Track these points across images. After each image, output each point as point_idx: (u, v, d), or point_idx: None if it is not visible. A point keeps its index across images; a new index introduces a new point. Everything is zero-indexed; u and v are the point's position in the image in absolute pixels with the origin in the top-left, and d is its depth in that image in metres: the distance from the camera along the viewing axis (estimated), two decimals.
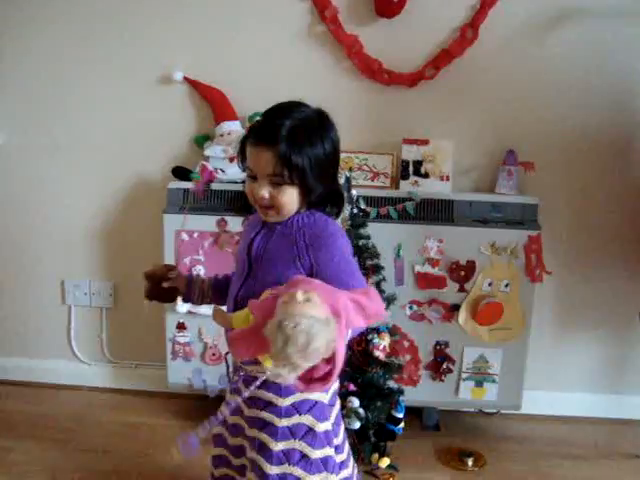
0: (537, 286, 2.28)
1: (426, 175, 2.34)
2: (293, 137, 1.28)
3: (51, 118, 2.52)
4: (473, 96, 2.39)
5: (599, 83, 2.33)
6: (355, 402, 2.05)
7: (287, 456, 1.38)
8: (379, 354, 2.08)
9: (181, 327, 2.38)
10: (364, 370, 2.10)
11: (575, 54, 2.32)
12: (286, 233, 1.35)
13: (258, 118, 1.37)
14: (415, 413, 2.44)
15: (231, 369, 1.51)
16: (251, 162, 1.32)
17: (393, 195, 2.30)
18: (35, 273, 2.67)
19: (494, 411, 2.53)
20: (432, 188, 2.32)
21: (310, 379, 1.14)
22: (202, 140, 2.44)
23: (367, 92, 2.40)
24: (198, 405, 2.51)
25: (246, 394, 1.33)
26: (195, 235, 2.31)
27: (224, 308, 1.45)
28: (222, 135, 2.38)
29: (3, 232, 2.64)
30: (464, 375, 2.34)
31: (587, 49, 2.31)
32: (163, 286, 1.53)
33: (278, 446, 1.38)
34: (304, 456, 1.39)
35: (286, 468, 1.38)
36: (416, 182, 2.34)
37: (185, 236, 2.31)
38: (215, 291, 1.57)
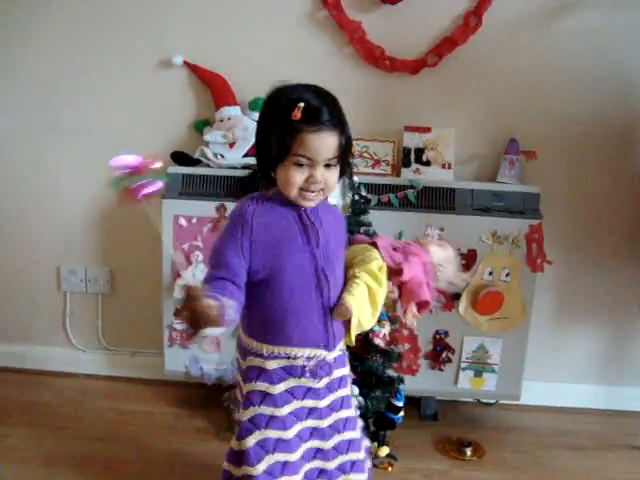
0: (538, 276, 2.27)
1: (428, 163, 2.33)
2: (340, 119, 1.33)
3: (49, 102, 2.49)
4: (476, 84, 2.37)
5: (603, 71, 2.32)
6: (355, 390, 2.02)
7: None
8: (379, 342, 2.06)
9: (178, 313, 2.35)
10: (364, 358, 2.08)
11: (578, 42, 2.30)
12: (330, 215, 1.46)
13: (301, 104, 1.29)
14: (413, 403, 2.43)
15: (306, 374, 1.45)
16: (310, 150, 1.30)
17: (394, 183, 2.28)
18: (30, 259, 2.64)
19: (492, 401, 2.52)
20: (434, 176, 2.30)
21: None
22: (202, 125, 2.42)
23: (369, 79, 2.38)
24: (195, 393, 2.50)
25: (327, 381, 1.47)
26: (194, 221, 2.28)
27: None
28: (222, 120, 2.36)
29: None
30: (463, 365, 2.33)
31: (591, 37, 2.29)
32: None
33: (353, 409, 1.60)
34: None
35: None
36: (418, 170, 2.32)
37: (183, 222, 2.28)
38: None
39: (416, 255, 1.52)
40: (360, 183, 2.15)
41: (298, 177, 1.32)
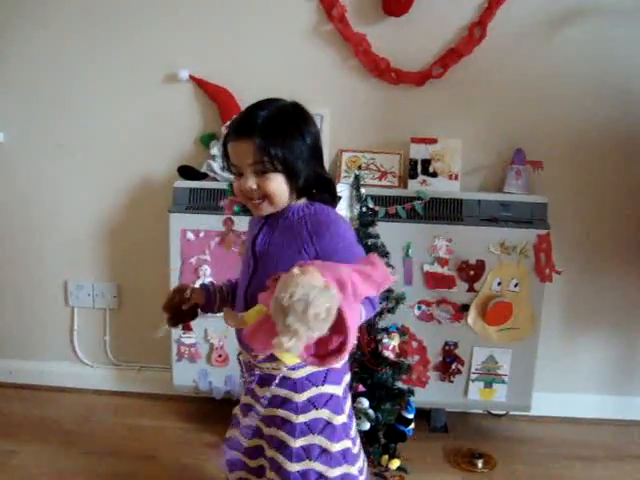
0: (546, 286, 2.26)
1: (434, 174, 2.32)
2: (269, 125, 1.30)
3: (55, 117, 2.50)
4: (481, 95, 2.37)
5: (608, 81, 2.32)
6: (365, 403, 2.02)
7: (307, 452, 1.37)
8: (389, 354, 2.06)
9: (187, 328, 2.35)
10: (373, 371, 2.07)
11: (584, 52, 2.31)
12: (288, 225, 1.35)
13: (234, 118, 1.39)
14: (422, 415, 2.41)
15: (244, 370, 1.48)
16: (233, 157, 1.34)
17: (401, 194, 2.28)
18: (38, 274, 2.64)
19: (502, 413, 2.51)
20: (441, 187, 2.30)
21: (324, 354, 1.13)
22: (208, 139, 2.42)
23: (374, 91, 2.39)
24: (204, 408, 2.48)
25: (267, 395, 1.37)
26: (201, 235, 2.28)
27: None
28: None
29: (5, 232, 2.62)
30: (473, 376, 2.32)
31: (596, 46, 2.30)
32: (183, 309, 1.49)
33: (297, 443, 1.36)
34: (324, 450, 1.38)
35: (307, 464, 1.36)
36: (424, 181, 2.32)
37: (191, 236, 2.28)
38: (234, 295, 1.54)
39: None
40: (367, 195, 2.15)
41: (236, 186, 1.36)
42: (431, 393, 2.34)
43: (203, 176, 2.36)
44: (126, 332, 2.66)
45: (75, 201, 2.56)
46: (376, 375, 2.07)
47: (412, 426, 2.05)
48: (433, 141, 2.33)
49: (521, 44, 2.32)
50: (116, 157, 2.50)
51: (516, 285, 2.24)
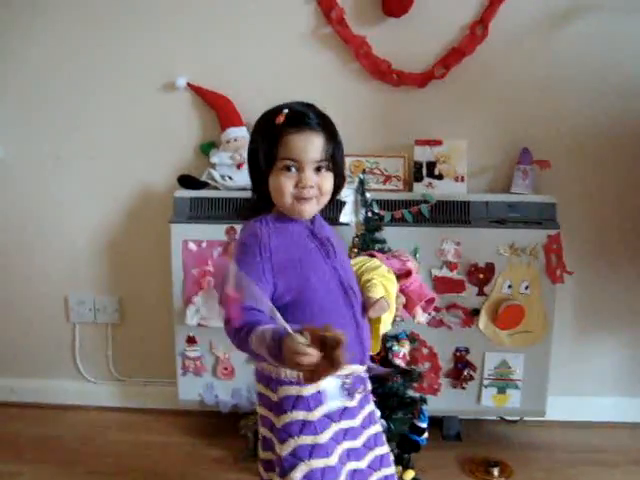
0: (558, 287, 2.21)
1: (440, 176, 2.28)
2: (327, 124, 1.32)
3: (51, 128, 2.46)
4: (485, 95, 2.33)
5: (614, 78, 2.28)
6: (377, 413, 1.96)
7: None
8: (399, 362, 2.01)
9: (191, 341, 2.30)
10: (384, 379, 2.02)
11: (589, 47, 2.27)
12: (331, 233, 1.42)
13: (285, 110, 1.28)
14: (435, 423, 2.35)
15: (345, 388, 1.37)
16: (295, 151, 1.27)
17: (407, 198, 2.23)
18: (37, 289, 2.59)
19: (516, 418, 2.45)
20: (447, 189, 2.26)
21: None
22: (208, 148, 2.38)
23: (376, 94, 2.35)
24: (210, 422, 2.43)
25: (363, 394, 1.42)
26: (203, 245, 2.23)
27: None
28: (228, 142, 2.32)
29: (4, 248, 2.57)
30: (486, 382, 2.26)
31: (600, 43, 2.26)
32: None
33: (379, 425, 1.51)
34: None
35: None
36: (430, 184, 2.28)
37: (193, 246, 2.24)
38: None
39: (408, 259, 1.70)
40: (372, 200, 2.11)
41: (288, 182, 1.28)
42: (443, 400, 2.28)
43: (204, 185, 2.31)
44: (129, 347, 2.61)
45: (74, 214, 2.52)
46: (387, 384, 2.02)
47: (426, 435, 2.00)
48: (438, 143, 2.28)
49: (524, 41, 2.28)
50: (115, 168, 2.46)
51: (527, 287, 2.19)
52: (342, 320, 1.32)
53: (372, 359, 1.98)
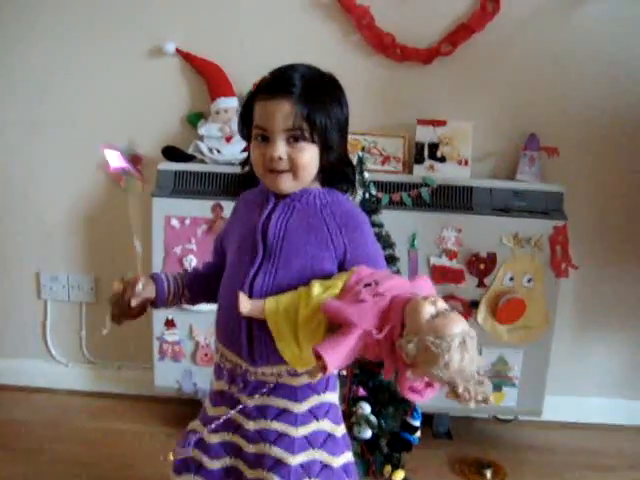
0: (562, 282, 2.11)
1: (442, 159, 2.15)
2: (312, 88, 1.14)
3: (24, 92, 2.30)
4: (493, 74, 2.22)
5: (627, 62, 2.18)
6: (366, 408, 1.83)
7: (307, 469, 1.18)
8: None
9: (170, 324, 2.17)
10: (375, 373, 1.90)
11: (602, 30, 2.16)
12: (310, 211, 1.18)
13: (267, 75, 1.18)
14: (424, 419, 2.23)
15: (226, 377, 1.25)
16: (263, 118, 1.14)
17: (406, 180, 2.11)
18: (7, 264, 2.44)
19: (510, 418, 2.34)
20: (449, 173, 2.14)
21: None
22: (196, 118, 2.25)
23: (378, 69, 2.22)
24: (187, 411, 2.25)
25: (257, 404, 1.21)
26: (187, 222, 2.09)
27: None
28: (218, 112, 2.18)
29: None
30: None
31: (614, 25, 2.15)
32: (132, 305, 1.26)
33: (296, 459, 1.18)
34: (325, 466, 1.20)
35: None
36: (432, 167, 2.15)
37: (176, 223, 2.10)
38: (193, 285, 1.33)
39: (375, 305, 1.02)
40: (370, 181, 1.97)
41: (257, 152, 1.16)
42: (435, 396, 2.15)
43: (190, 158, 2.18)
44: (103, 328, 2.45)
45: (49, 184, 2.36)
46: (378, 377, 1.90)
47: (418, 434, 1.88)
48: (442, 123, 2.16)
49: (537, 20, 2.16)
50: (94, 137, 2.28)
51: (529, 280, 2.08)
52: (232, 297, 1.16)
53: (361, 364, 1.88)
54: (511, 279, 2.08)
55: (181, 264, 2.10)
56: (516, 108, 2.22)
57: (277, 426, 1.20)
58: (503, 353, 2.14)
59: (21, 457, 2.02)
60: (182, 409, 2.31)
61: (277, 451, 1.18)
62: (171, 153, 2.19)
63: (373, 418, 1.83)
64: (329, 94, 1.17)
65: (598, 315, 2.34)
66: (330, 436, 1.22)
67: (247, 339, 1.17)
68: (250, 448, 1.21)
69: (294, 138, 1.13)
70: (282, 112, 1.11)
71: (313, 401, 1.21)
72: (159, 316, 2.16)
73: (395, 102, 2.24)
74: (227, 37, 2.23)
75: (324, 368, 0.97)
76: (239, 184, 2.04)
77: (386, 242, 1.90)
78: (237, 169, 2.04)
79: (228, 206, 2.05)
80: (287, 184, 1.16)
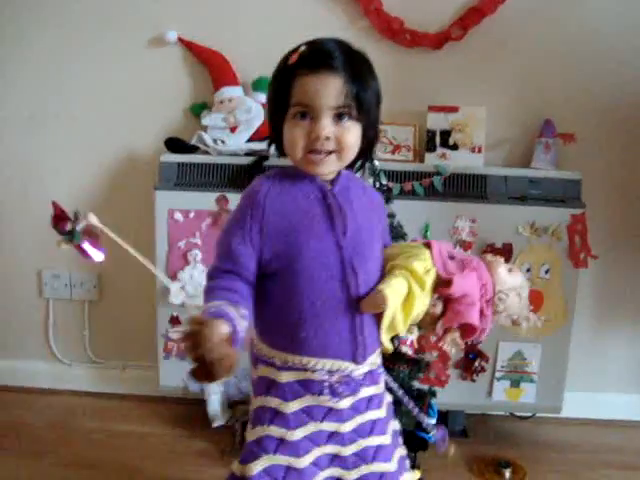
0: (580, 272, 2.03)
1: (455, 147, 2.08)
2: (355, 63, 1.10)
3: (23, 84, 2.24)
4: (506, 60, 2.14)
5: None
6: None
7: (395, 441, 1.29)
8: (407, 350, 1.80)
9: (175, 321, 2.10)
10: (389, 368, 1.82)
11: (619, 12, 2.08)
12: (359, 199, 1.18)
13: (302, 47, 1.10)
14: (439, 417, 2.16)
15: (325, 391, 1.15)
16: (308, 95, 1.07)
17: (418, 169, 2.04)
18: (7, 262, 2.37)
19: (528, 414, 2.26)
20: (462, 161, 2.06)
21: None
22: (199, 109, 2.18)
23: (386, 55, 2.14)
24: (194, 411, 2.22)
25: (352, 402, 1.19)
26: (191, 215, 2.02)
27: None
28: (222, 102, 2.11)
29: None
30: (498, 374, 2.08)
31: (633, 10, 2.07)
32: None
33: (388, 438, 1.24)
34: (395, 431, 1.32)
35: (399, 451, 1.31)
36: (444, 155, 2.07)
37: (179, 216, 2.03)
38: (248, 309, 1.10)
39: (475, 270, 1.22)
40: (380, 170, 1.90)
41: (299, 132, 1.08)
42: (450, 393, 2.09)
43: (193, 149, 2.11)
44: (108, 326, 2.40)
45: (49, 179, 2.29)
46: (392, 373, 1.82)
47: (434, 432, 1.80)
48: (454, 110, 2.08)
49: (551, 2, 2.09)
50: (96, 129, 2.24)
51: (547, 271, 2.01)
52: (332, 304, 1.12)
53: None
54: (528, 270, 2.00)
55: (185, 259, 2.03)
56: (530, 93, 2.14)
57: (370, 415, 1.20)
58: (520, 348, 2.06)
59: (25, 460, 1.95)
60: (188, 409, 2.25)
61: (375, 439, 1.20)
62: (174, 145, 2.13)
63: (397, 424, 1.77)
64: (368, 69, 1.14)
65: (619, 307, 2.26)
66: (389, 405, 1.28)
67: (355, 338, 1.14)
68: (348, 450, 1.18)
69: (339, 116, 1.07)
70: (331, 88, 1.06)
71: (382, 378, 1.25)
72: (163, 312, 2.09)
73: (405, 89, 2.15)
74: (230, 25, 2.16)
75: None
76: (249, 172, 1.97)
77: (398, 233, 1.83)
78: (243, 160, 2.02)
79: (234, 198, 1.98)
80: (331, 166, 1.11)
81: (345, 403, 1.16)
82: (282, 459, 1.14)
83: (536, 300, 1.99)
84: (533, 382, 2.08)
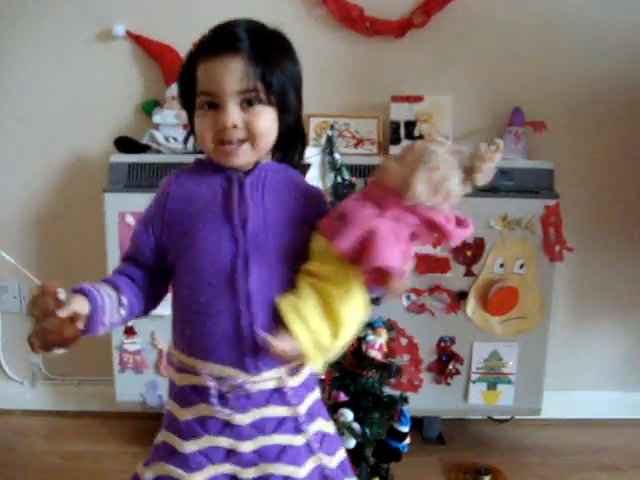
0: (556, 266, 1.96)
1: (421, 138, 1.99)
2: (261, 43, 0.99)
3: None
4: (471, 46, 2.09)
5: (616, 31, 2.06)
6: (348, 415, 1.65)
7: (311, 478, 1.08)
8: (375, 354, 1.70)
9: (129, 332, 1.98)
10: (357, 375, 1.72)
11: None
12: (275, 187, 1.04)
13: (206, 34, 1.02)
14: (414, 424, 2.05)
15: (215, 401, 1.02)
16: (209, 82, 0.97)
17: None
18: None
19: (507, 417, 2.17)
20: None
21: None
22: (150, 106, 2.09)
23: (346, 45, 2.08)
24: (154, 426, 2.08)
25: (254, 419, 1.04)
26: None
27: None
28: (174, 98, 2.00)
29: None
30: (474, 376, 2.00)
31: None
32: (60, 317, 0.90)
33: (305, 471, 1.06)
34: (324, 469, 1.09)
35: None
36: None
37: (131, 219, 1.91)
38: (129, 291, 1.04)
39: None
40: (342, 165, 1.80)
41: (205, 123, 0.98)
42: (424, 399, 2.00)
43: (144, 148, 2.02)
44: None
45: None
46: (360, 380, 1.72)
47: (407, 441, 1.70)
48: (418, 99, 2.00)
49: None
50: (42, 130, 2.14)
51: (522, 266, 1.93)
52: (216, 304, 1.00)
53: (344, 354, 1.70)
54: (501, 266, 1.93)
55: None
56: (498, 81, 2.09)
57: (279, 439, 1.04)
58: (496, 347, 1.99)
59: None
60: (147, 425, 2.09)
61: (283, 468, 1.04)
62: (124, 144, 2.03)
63: (356, 426, 1.66)
64: (280, 49, 1.03)
65: (597, 301, 2.21)
66: (325, 435, 1.10)
67: (252, 346, 1.00)
68: (249, 473, 1.04)
69: (248, 102, 0.97)
70: (232, 72, 0.96)
71: (309, 401, 1.09)
72: None
73: (367, 80, 2.10)
74: (181, 17, 2.07)
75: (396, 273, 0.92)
76: None
77: None
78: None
79: None
80: (245, 156, 1.00)
81: (244, 419, 1.03)
82: (172, 470, 1.03)
83: (511, 297, 1.92)
84: (510, 383, 2.00)
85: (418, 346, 1.98)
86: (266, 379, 1.02)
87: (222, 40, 0.98)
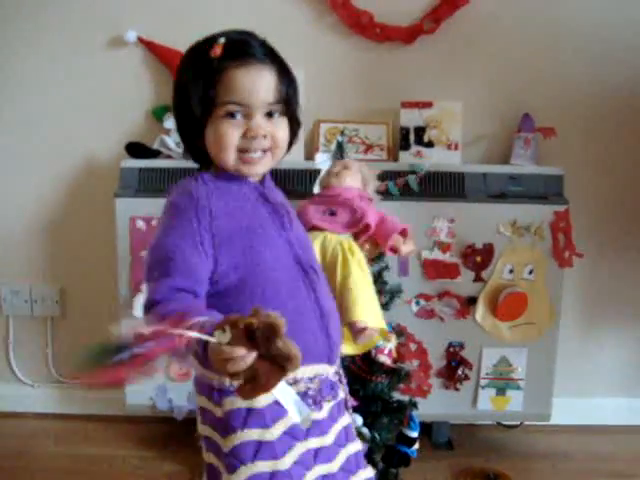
0: (565, 272, 1.96)
1: (430, 144, 2.00)
2: (278, 55, 1.04)
3: None
4: (481, 52, 2.08)
5: (627, 37, 2.05)
6: (358, 420, 1.66)
7: None
8: (385, 359, 1.70)
9: (139, 336, 1.97)
10: (366, 380, 1.73)
11: (599, 4, 2.03)
12: (278, 192, 1.13)
13: (221, 39, 1.01)
14: (423, 429, 2.06)
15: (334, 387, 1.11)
16: (240, 91, 0.98)
17: (392, 168, 1.95)
18: None
19: (516, 423, 2.17)
20: (438, 159, 1.99)
21: None
22: (161, 112, 2.09)
23: (356, 51, 2.08)
24: (164, 430, 2.12)
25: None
26: (154, 222, 1.92)
27: None
28: None
29: None
30: (483, 382, 2.00)
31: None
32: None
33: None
34: None
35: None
36: (419, 152, 2.00)
37: (141, 224, 1.93)
38: None
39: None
40: None
41: (232, 132, 0.99)
42: (433, 404, 2.00)
43: (155, 154, 2.03)
44: (71, 343, 2.27)
45: (6, 190, 2.19)
46: (369, 385, 1.73)
47: (416, 446, 1.70)
48: (428, 105, 2.00)
49: None
50: (53, 136, 2.15)
51: (531, 272, 1.93)
52: (302, 307, 1.04)
53: (354, 359, 1.71)
54: (511, 271, 1.93)
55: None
56: (508, 87, 2.08)
57: (346, 420, 1.14)
58: (505, 353, 1.98)
59: None
60: (157, 429, 2.15)
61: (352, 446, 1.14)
62: (135, 149, 2.04)
63: (366, 431, 1.69)
64: (286, 61, 1.06)
65: (607, 307, 2.19)
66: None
67: (328, 337, 1.07)
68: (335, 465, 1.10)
69: (270, 113, 1.01)
70: (263, 83, 0.99)
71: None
72: (128, 327, 1.98)
73: (376, 86, 2.10)
74: (192, 23, 2.02)
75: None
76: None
77: None
78: None
79: None
80: (266, 165, 1.04)
81: (325, 412, 1.07)
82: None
83: (520, 303, 1.92)
84: (520, 389, 2.00)
85: (427, 351, 1.98)
86: (335, 364, 1.11)
87: (249, 49, 0.99)
